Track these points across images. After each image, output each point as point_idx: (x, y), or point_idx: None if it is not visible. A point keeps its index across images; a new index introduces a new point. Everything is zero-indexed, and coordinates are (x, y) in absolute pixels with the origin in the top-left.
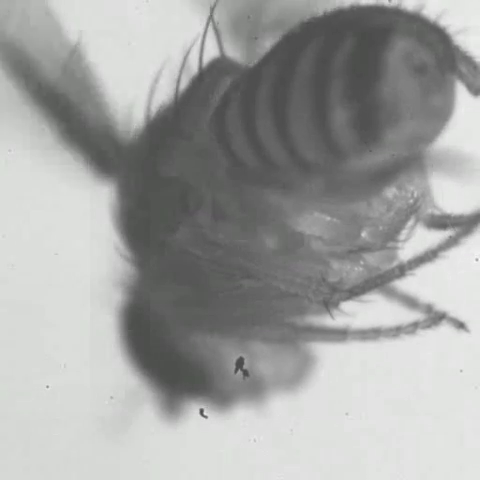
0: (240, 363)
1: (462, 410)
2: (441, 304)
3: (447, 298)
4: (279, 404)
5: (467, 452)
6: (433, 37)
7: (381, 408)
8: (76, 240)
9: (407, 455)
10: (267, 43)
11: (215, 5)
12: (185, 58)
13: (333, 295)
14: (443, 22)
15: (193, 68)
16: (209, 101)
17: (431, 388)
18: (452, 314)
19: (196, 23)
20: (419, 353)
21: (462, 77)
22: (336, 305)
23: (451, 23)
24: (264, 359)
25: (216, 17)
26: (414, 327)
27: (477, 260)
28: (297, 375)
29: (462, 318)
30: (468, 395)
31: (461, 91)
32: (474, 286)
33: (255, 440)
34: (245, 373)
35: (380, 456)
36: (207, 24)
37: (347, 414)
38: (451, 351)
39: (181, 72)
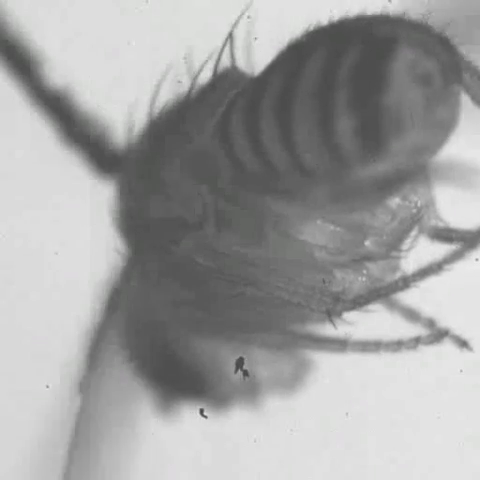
0: (240, 363)
1: (462, 410)
2: (441, 304)
3: (447, 298)
4: (279, 404)
5: (467, 452)
6: (438, 48)
7: (381, 408)
8: (76, 240)
9: (407, 455)
10: (267, 43)
11: (237, 22)
12: (202, 67)
13: (336, 305)
14: (448, 32)
15: (196, 72)
16: (216, 109)
17: (431, 388)
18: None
19: (196, 23)
20: (419, 353)
21: (467, 88)
22: (339, 315)
23: (456, 33)
24: (263, 362)
25: (216, 16)
26: (415, 342)
27: (477, 260)
28: (296, 377)
29: (462, 318)
30: (468, 395)
31: (466, 102)
32: (474, 286)
33: (255, 440)
34: (245, 373)
35: (380, 456)
36: (226, 39)
37: (347, 414)
38: (451, 351)
39: (194, 80)
